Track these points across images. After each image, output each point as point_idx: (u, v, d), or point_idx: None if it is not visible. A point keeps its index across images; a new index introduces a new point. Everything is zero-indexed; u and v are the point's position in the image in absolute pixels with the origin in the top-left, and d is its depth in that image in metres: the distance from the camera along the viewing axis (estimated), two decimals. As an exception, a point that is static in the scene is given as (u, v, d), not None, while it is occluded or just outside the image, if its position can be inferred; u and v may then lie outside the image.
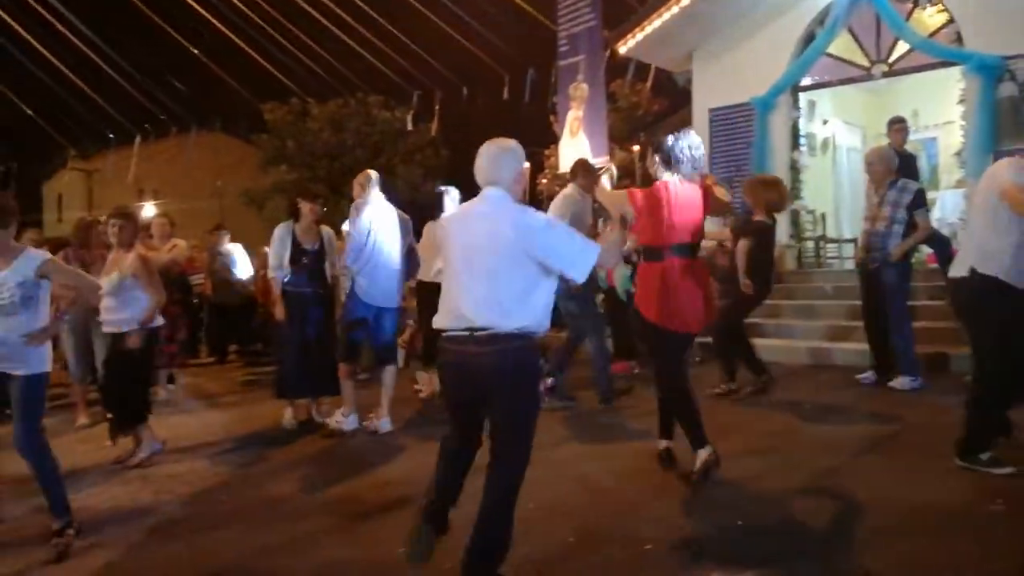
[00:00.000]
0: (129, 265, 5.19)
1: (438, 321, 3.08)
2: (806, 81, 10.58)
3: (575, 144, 12.74)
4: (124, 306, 5.16)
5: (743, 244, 6.40)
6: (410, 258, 6.15)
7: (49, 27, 21.70)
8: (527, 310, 2.93)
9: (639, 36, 11.23)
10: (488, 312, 2.90)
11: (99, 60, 21.65)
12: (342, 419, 5.79)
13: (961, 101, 9.24)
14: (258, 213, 19.02)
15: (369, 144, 19.30)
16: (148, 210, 26.00)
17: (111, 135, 23.54)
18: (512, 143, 3.14)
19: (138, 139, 21.25)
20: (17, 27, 20.67)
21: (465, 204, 3.33)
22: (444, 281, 3.14)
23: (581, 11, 12.32)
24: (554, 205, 6.22)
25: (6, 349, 3.72)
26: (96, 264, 6.01)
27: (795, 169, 10.58)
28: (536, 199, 13.35)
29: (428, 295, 6.77)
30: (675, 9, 10.69)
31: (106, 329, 5.32)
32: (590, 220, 6.49)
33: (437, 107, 18.35)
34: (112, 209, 5.62)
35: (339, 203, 17.83)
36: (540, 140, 16.09)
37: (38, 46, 21.04)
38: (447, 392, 3.18)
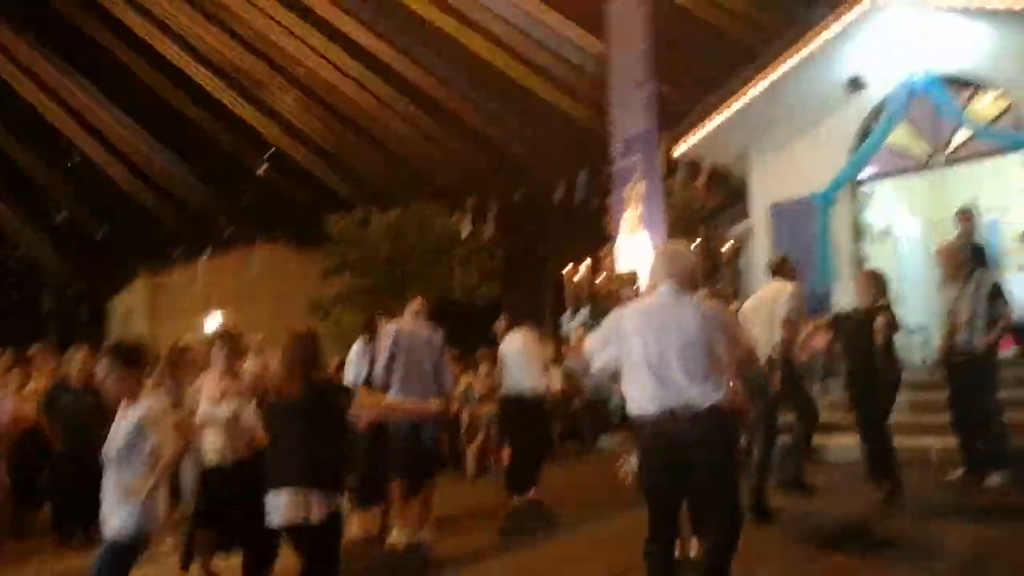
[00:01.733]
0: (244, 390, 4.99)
1: (636, 407, 3.45)
2: (865, 173, 10.62)
3: (634, 241, 12.92)
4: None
5: (881, 321, 5.91)
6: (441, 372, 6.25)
7: (113, 146, 23.09)
8: (717, 387, 3.32)
9: (694, 138, 11.44)
10: (685, 392, 3.29)
11: (157, 175, 22.87)
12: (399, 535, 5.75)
13: (1026, 187, 9.19)
14: (321, 321, 19.42)
15: (428, 250, 19.82)
16: (213, 322, 26.77)
17: (177, 249, 24.67)
18: (683, 245, 3.90)
19: (207, 253, 22.16)
20: (83, 146, 22.05)
21: (644, 299, 3.92)
22: (630, 370, 3.51)
23: (636, 114, 12.69)
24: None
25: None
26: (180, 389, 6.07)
27: (859, 261, 10.50)
28: (594, 299, 13.42)
29: (515, 411, 6.82)
30: (730, 110, 10.91)
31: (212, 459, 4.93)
32: None
33: (490, 212, 18.87)
34: (220, 329, 5.64)
35: (402, 310, 18.11)
36: (594, 240, 16.29)
37: (102, 164, 22.35)
38: (651, 482, 3.44)
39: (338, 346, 10.56)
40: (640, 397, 3.42)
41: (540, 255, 20.27)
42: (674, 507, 3.42)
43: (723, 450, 3.36)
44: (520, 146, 22.24)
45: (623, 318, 3.58)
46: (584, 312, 13.63)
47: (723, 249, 12.65)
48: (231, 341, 5.17)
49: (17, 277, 24.06)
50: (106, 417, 4.37)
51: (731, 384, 3.48)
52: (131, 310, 35.55)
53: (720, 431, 3.32)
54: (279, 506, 3.55)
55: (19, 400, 7.83)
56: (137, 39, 23.07)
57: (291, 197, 23.66)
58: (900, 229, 11.91)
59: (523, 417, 6.82)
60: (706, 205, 14.96)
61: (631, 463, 5.92)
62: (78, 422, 7.41)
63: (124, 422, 3.72)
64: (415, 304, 6.97)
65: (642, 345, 3.41)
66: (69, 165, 23.10)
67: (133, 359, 3.88)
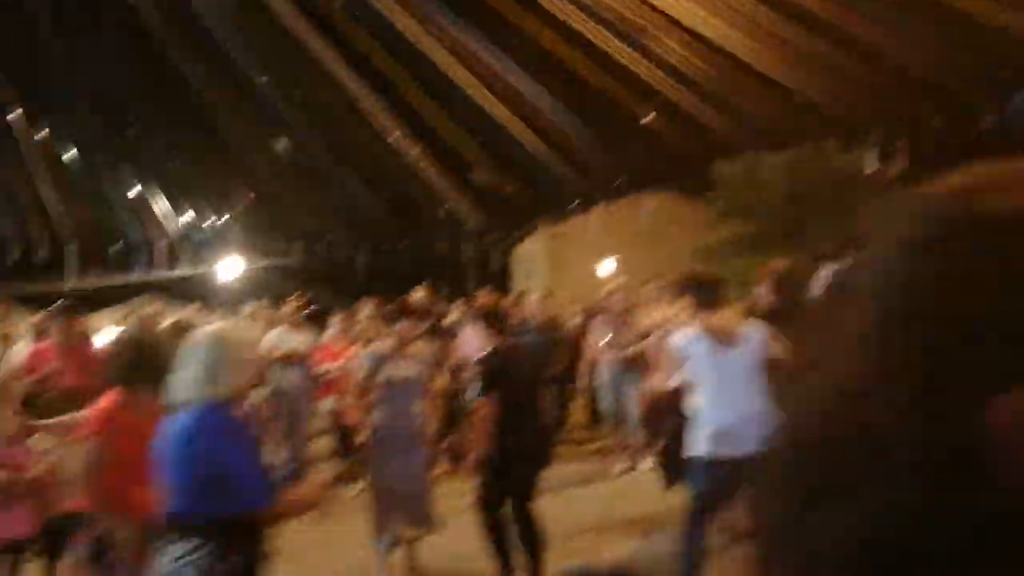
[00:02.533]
0: None
1: None
2: None
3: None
4: None
5: None
6: None
7: (517, 108, 24.99)
8: None
9: None
10: None
11: (555, 133, 24.28)
12: None
13: None
14: (707, 268, 19.37)
15: (826, 191, 18.61)
16: (606, 269, 28.15)
17: (573, 202, 26.27)
18: None
19: (599, 204, 23.27)
20: (492, 111, 24.17)
21: None
22: None
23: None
24: None
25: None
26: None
27: None
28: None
29: None
30: None
31: None
32: None
33: (899, 144, 17.08)
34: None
35: (792, 254, 17.32)
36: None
37: (510, 127, 24.34)
38: None
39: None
40: None
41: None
42: None
43: None
44: (932, 64, 19.70)
45: None
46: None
47: None
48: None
49: (444, 230, 27.52)
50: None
51: None
52: (532, 259, 38.84)
53: None
54: None
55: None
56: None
57: (677, 146, 23.73)
58: None
59: None
60: None
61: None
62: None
63: None
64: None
65: None
66: (480, 130, 25.63)
67: None
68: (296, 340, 8.52)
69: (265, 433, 8.45)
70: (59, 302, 7.18)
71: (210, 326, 3.06)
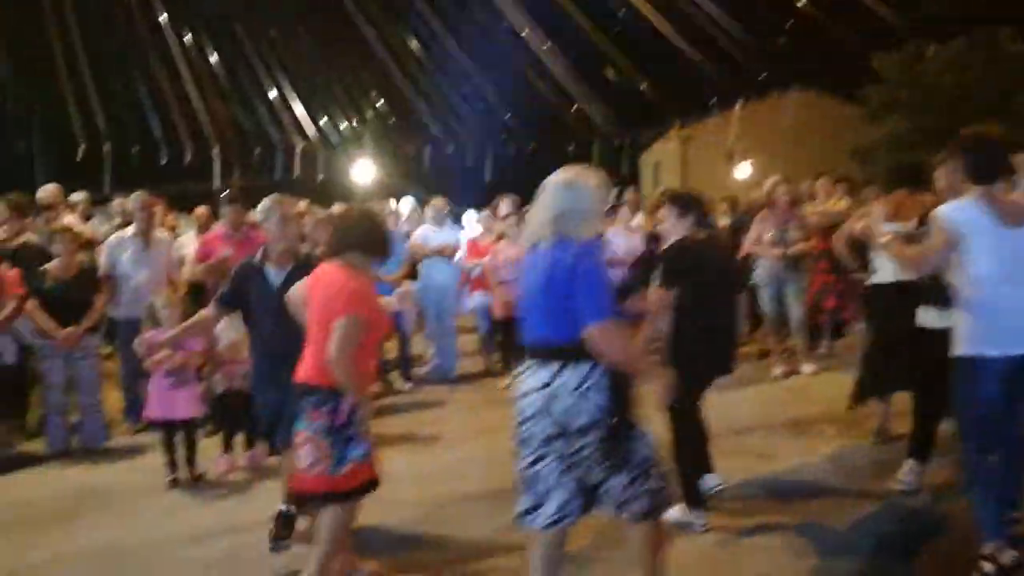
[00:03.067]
0: None
1: None
2: None
3: None
4: None
5: None
6: None
7: None
8: None
9: None
10: None
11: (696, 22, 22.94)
12: None
13: None
14: (860, 169, 18.16)
15: (996, 87, 16.88)
16: (742, 172, 26.98)
17: (711, 100, 24.97)
18: None
19: (739, 104, 22.02)
20: None
21: None
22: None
23: None
24: None
25: None
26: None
27: None
28: None
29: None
30: None
31: None
32: None
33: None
34: None
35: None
36: None
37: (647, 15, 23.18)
38: None
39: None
40: None
41: None
42: None
43: None
44: None
45: None
46: None
47: None
48: None
49: (573, 130, 26.94)
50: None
51: None
52: (660, 162, 37.75)
53: None
54: None
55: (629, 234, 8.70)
56: None
57: (829, 36, 21.98)
58: None
59: None
60: None
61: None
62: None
63: None
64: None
65: None
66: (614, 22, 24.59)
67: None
68: (443, 236, 8.55)
69: (414, 326, 8.64)
70: (226, 192, 7.38)
71: (564, 172, 3.13)
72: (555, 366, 2.94)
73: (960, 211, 3.35)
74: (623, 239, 8.58)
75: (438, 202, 8.95)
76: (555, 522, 2.99)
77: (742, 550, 3.86)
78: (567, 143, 27.26)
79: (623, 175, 28.51)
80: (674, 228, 4.34)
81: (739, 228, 8.34)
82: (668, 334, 4.16)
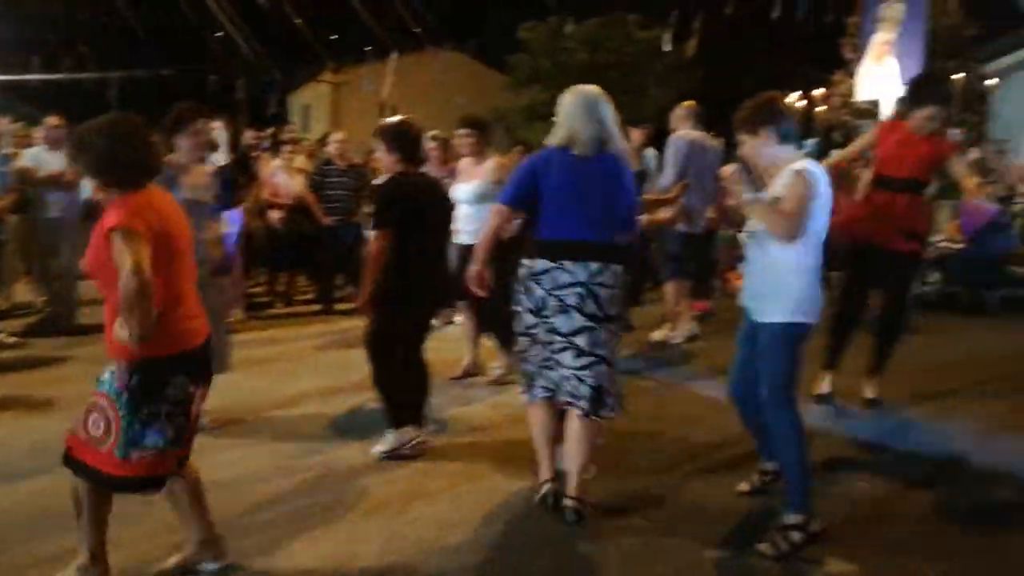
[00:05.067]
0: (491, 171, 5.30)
1: None
2: None
3: (880, 71, 11.66)
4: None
5: None
6: None
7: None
8: None
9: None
10: None
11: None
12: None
13: None
14: (505, 134, 19.18)
15: (624, 64, 18.81)
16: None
17: (366, 48, 24.52)
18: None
19: (394, 55, 21.90)
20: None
21: None
22: None
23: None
24: None
25: None
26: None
27: None
28: (831, 129, 12.43)
29: None
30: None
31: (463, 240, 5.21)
32: None
33: (696, 25, 17.47)
34: (462, 119, 5.61)
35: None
36: (821, 64, 14.96)
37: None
38: None
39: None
40: None
41: (750, 77, 18.88)
42: None
43: None
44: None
45: None
46: (810, 144, 12.72)
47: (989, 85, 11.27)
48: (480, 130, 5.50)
49: (216, 61, 24.67)
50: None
51: None
52: (309, 106, 36.59)
53: None
54: None
55: (289, 175, 8.12)
56: None
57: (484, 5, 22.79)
58: None
59: None
60: (966, 33, 13.26)
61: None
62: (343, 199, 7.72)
63: None
64: (687, 109, 6.64)
65: None
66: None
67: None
68: (60, 161, 7.22)
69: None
70: None
71: (580, 87, 3.37)
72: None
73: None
74: (284, 178, 8.03)
75: (53, 120, 7.53)
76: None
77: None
78: (209, 72, 25.02)
79: (271, 114, 27.11)
80: (385, 163, 4.07)
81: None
82: (381, 273, 3.86)
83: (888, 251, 4.60)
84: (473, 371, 5.56)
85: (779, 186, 3.10)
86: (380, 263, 3.86)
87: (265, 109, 29.58)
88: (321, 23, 25.29)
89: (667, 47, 18.89)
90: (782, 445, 3.17)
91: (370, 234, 4.11)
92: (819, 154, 12.02)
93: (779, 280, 3.12)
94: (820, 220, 3.08)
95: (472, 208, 5.22)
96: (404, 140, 4.03)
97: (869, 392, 4.83)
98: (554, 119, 3.37)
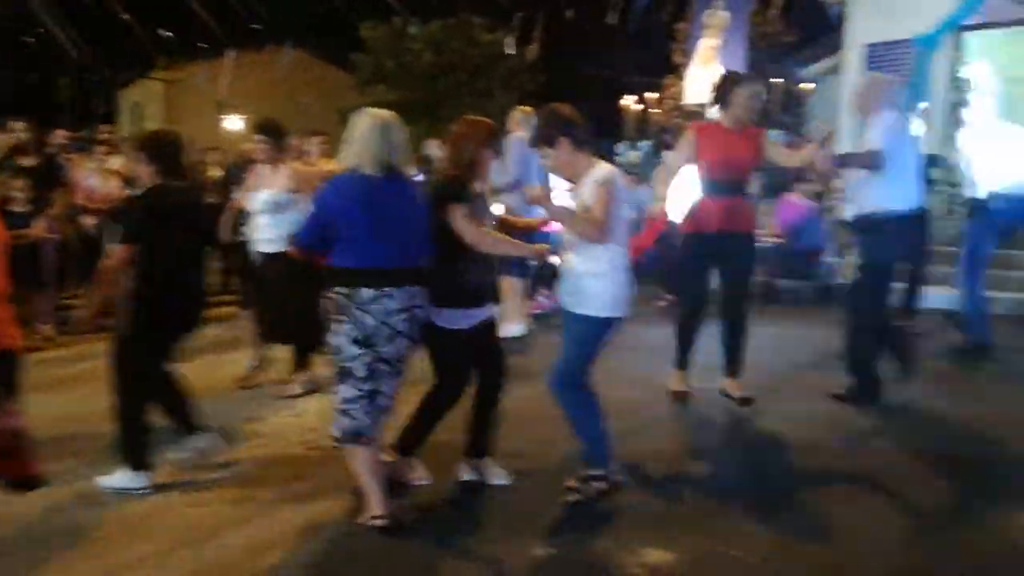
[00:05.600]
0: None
1: None
2: (974, 19, 9.91)
3: (708, 75, 12.24)
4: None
5: None
6: None
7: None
8: None
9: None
10: None
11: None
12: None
13: None
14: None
15: (469, 67, 18.85)
16: (230, 124, 26.01)
17: (201, 45, 23.41)
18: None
19: (232, 53, 21.00)
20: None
21: None
22: None
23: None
24: None
25: None
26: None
27: (955, 113, 10.03)
28: (663, 131, 12.93)
29: None
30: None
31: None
32: None
33: (538, 30, 17.85)
34: (256, 124, 5.32)
35: (435, 127, 17.54)
36: (655, 68, 15.55)
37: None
38: None
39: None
40: None
41: (588, 81, 19.42)
42: None
43: None
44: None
45: None
46: (645, 145, 13.19)
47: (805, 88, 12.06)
48: (275, 135, 5.11)
49: (36, 58, 22.90)
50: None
51: None
52: (140, 104, 34.55)
53: None
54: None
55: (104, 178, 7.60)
56: None
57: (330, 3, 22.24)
58: (981, 82, 11.27)
59: None
60: (784, 39, 14.16)
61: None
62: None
63: None
64: (524, 113, 6.79)
65: None
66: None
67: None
68: None
69: None
70: None
71: (374, 111, 3.34)
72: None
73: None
74: (98, 182, 7.49)
75: None
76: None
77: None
78: (29, 71, 23.20)
79: (98, 113, 25.42)
80: (142, 175, 3.79)
81: (232, 180, 7.82)
82: (130, 290, 3.62)
83: (729, 243, 4.72)
84: (258, 381, 5.37)
85: (586, 194, 3.28)
86: (114, 277, 3.66)
87: (93, 108, 27.81)
88: (152, 18, 24.06)
89: (510, 50, 19.18)
90: (574, 421, 3.49)
91: (112, 247, 3.81)
92: (653, 155, 12.54)
93: (585, 278, 3.36)
94: (623, 222, 3.34)
95: (268, 218, 4.99)
96: (162, 151, 3.80)
97: (738, 391, 4.90)
98: (346, 142, 3.28)
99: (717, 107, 4.85)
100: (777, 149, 5.01)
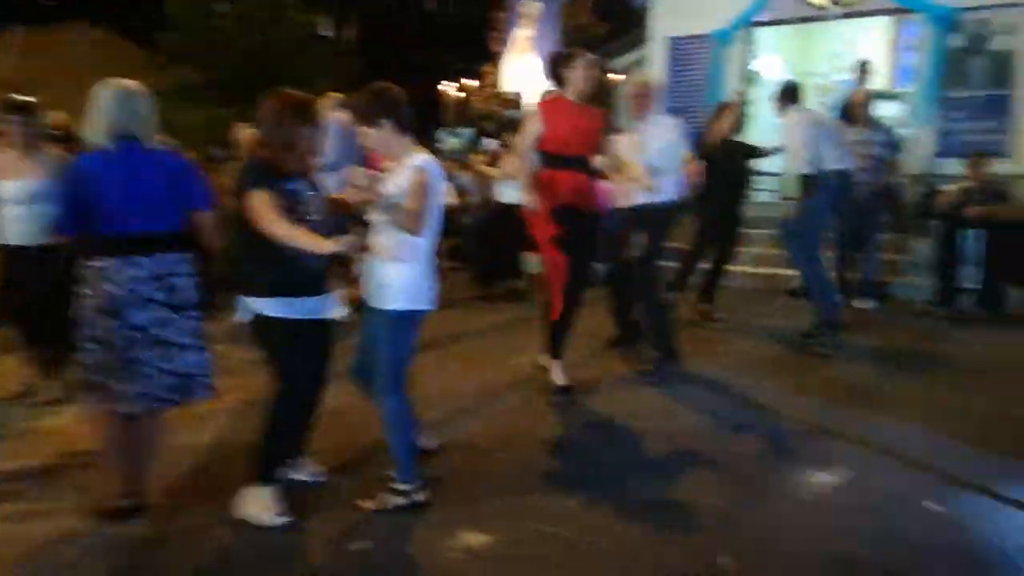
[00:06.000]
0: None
1: None
2: (763, 16, 10.67)
3: (525, 64, 12.52)
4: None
5: None
6: None
7: None
8: None
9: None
10: None
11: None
12: None
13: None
14: (159, 116, 17.61)
15: (283, 49, 18.06)
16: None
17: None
18: None
19: (19, 29, 19.02)
20: None
21: None
22: None
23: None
24: None
25: None
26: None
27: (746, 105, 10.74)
28: (485, 118, 13.10)
29: None
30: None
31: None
32: None
33: (354, 13, 17.52)
34: (3, 103, 4.56)
35: (247, 111, 16.74)
36: (474, 55, 15.68)
37: None
38: None
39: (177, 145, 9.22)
40: None
41: (407, 66, 19.16)
42: None
43: None
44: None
45: None
46: (467, 132, 13.29)
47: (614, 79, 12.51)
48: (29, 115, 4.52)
49: None
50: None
51: None
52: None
53: None
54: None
55: None
56: None
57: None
58: (769, 75, 12.19)
59: None
60: (593, 34, 14.66)
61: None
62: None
63: None
64: (335, 99, 6.66)
65: None
66: None
67: None
68: None
69: None
70: None
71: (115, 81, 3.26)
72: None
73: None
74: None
75: None
76: None
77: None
78: None
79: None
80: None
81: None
82: None
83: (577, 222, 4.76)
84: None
85: (402, 182, 3.18)
86: None
87: None
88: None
89: (326, 32, 18.63)
90: (389, 429, 3.36)
91: None
92: (474, 141, 12.68)
93: (391, 269, 3.23)
94: (436, 212, 3.24)
95: (22, 208, 4.44)
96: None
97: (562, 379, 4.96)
98: (89, 114, 3.18)
99: (555, 84, 4.85)
100: (617, 148, 4.96)
